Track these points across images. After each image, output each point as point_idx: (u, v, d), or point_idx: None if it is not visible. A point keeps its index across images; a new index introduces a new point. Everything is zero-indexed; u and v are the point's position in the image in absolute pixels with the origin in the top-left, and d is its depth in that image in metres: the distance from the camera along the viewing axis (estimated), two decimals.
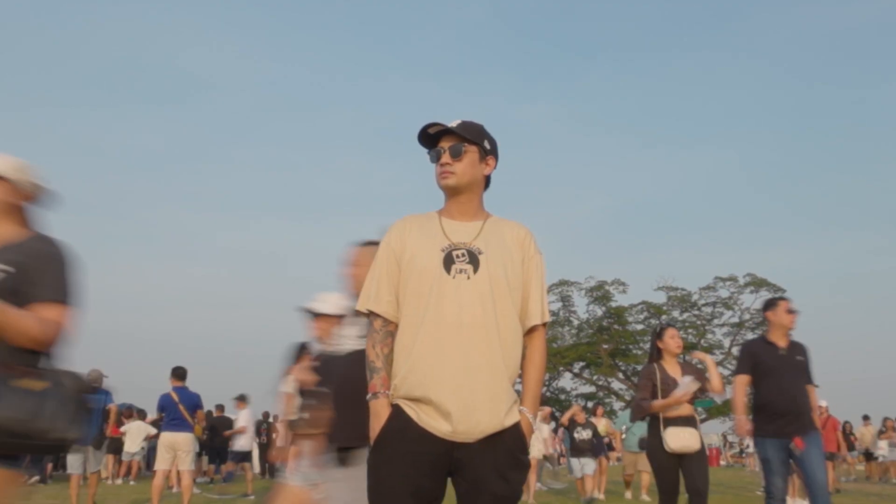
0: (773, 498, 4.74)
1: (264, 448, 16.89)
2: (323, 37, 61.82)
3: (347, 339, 2.96)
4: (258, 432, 17.19)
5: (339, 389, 2.91)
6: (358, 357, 2.72)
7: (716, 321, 36.65)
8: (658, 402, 4.78)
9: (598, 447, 10.86)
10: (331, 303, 3.98)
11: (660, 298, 37.73)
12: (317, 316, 4.04)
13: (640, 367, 38.86)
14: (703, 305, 37.11)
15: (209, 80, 60.59)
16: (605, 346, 37.02)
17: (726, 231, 53.99)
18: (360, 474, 2.65)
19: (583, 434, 10.84)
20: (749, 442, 12.33)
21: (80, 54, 58.11)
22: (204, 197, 59.64)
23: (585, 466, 10.62)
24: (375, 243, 2.89)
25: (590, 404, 35.13)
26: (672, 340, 5.00)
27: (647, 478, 11.06)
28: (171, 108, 61.07)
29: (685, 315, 37.79)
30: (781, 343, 4.89)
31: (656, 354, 5.06)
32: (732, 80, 54.47)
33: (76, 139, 56.43)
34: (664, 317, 37.52)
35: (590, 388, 37.93)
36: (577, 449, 10.81)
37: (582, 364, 37.98)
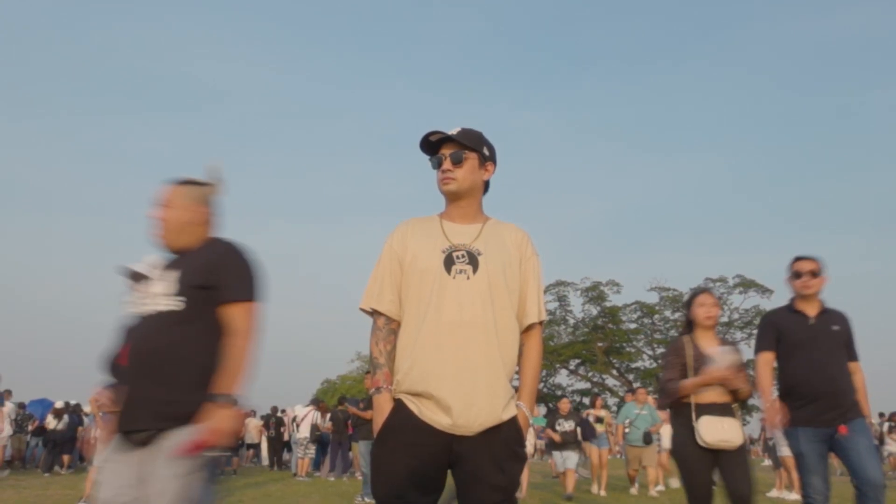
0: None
1: (272, 441, 16.90)
2: (331, 48, 61.94)
3: (152, 299, 2.34)
4: (267, 425, 17.20)
5: (133, 359, 2.29)
6: (161, 321, 2.27)
7: None
8: (690, 382, 3.62)
9: (588, 433, 9.93)
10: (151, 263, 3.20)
11: (652, 298, 37.74)
12: (138, 278, 3.25)
13: (633, 365, 39.04)
14: None
15: (221, 89, 60.73)
16: (600, 345, 37.00)
17: (716, 234, 54.04)
18: (149, 466, 2.16)
19: (565, 426, 9.81)
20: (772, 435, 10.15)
21: (99, 65, 58.23)
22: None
23: (568, 460, 9.64)
24: (195, 182, 2.48)
25: (586, 400, 35.15)
26: (700, 309, 3.81)
27: (652, 473, 10.38)
28: (184, 115, 61.18)
29: (676, 315, 37.73)
30: (811, 311, 3.76)
31: (688, 327, 3.93)
32: (721, 90, 54.52)
33: (93, 145, 56.56)
34: (656, 316, 37.49)
35: (585, 385, 37.91)
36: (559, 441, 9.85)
37: (577, 361, 37.98)
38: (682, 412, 3.65)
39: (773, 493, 10.09)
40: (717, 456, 3.53)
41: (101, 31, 59.29)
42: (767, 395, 3.74)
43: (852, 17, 52.93)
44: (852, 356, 3.77)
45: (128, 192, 57.12)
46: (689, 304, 3.93)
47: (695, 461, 3.55)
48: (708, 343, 3.75)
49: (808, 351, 3.68)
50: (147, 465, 2.16)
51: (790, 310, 3.84)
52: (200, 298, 2.28)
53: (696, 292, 3.94)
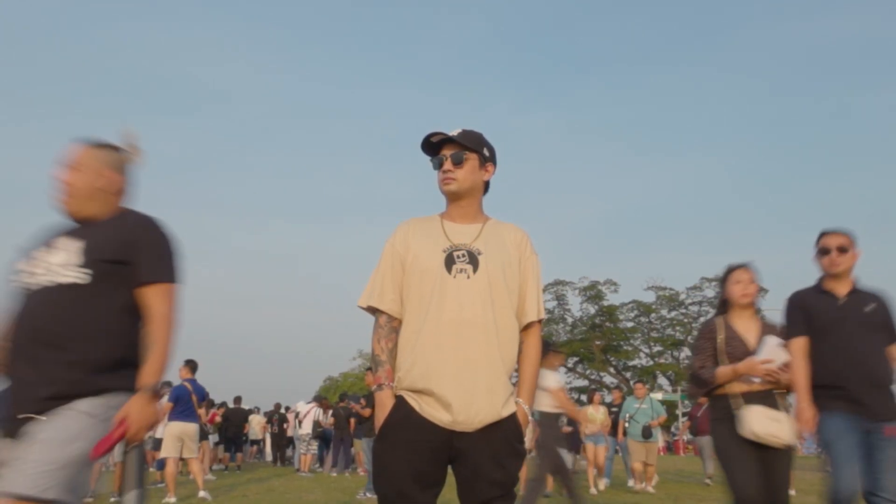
0: (839, 500, 3.01)
1: (276, 437, 16.92)
2: (332, 50, 62.00)
3: (49, 270, 2.02)
4: (270, 422, 17.21)
5: (26, 336, 1.97)
6: (61, 295, 1.97)
7: (702, 319, 36.59)
8: (725, 370, 3.14)
9: (574, 438, 9.44)
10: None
11: (649, 298, 37.76)
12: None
13: (630, 363, 39.05)
14: (690, 304, 37.09)
15: (224, 91, 60.78)
16: (598, 343, 37.02)
17: (712, 234, 54.04)
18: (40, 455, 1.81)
19: None
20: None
21: (103, 69, 58.28)
22: (219, 201, 59.73)
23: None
24: (109, 146, 2.21)
25: (584, 398, 35.13)
26: (736, 286, 3.28)
27: (652, 471, 10.01)
28: (189, 117, 61.26)
29: (673, 313, 37.77)
30: (840, 291, 3.26)
31: (722, 306, 3.40)
32: (718, 93, 54.51)
33: None
34: (653, 315, 37.49)
35: (583, 382, 37.93)
36: None
37: (576, 359, 37.99)
38: (719, 402, 3.17)
39: None
40: (760, 452, 3.05)
41: (106, 34, 59.36)
42: (804, 389, 3.15)
43: (846, 20, 52.97)
44: (892, 339, 3.25)
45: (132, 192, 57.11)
46: (723, 281, 3.37)
47: (740, 458, 3.03)
48: (745, 324, 3.26)
49: (836, 335, 3.17)
50: (23, 450, 1.85)
51: (818, 290, 3.33)
52: (109, 274, 2.02)
53: (732, 267, 3.36)
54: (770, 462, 3.05)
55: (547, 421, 6.19)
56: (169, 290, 2.08)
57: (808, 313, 3.27)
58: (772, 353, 3.09)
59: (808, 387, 3.16)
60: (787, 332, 3.29)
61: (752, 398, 3.10)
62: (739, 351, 3.17)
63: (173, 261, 2.12)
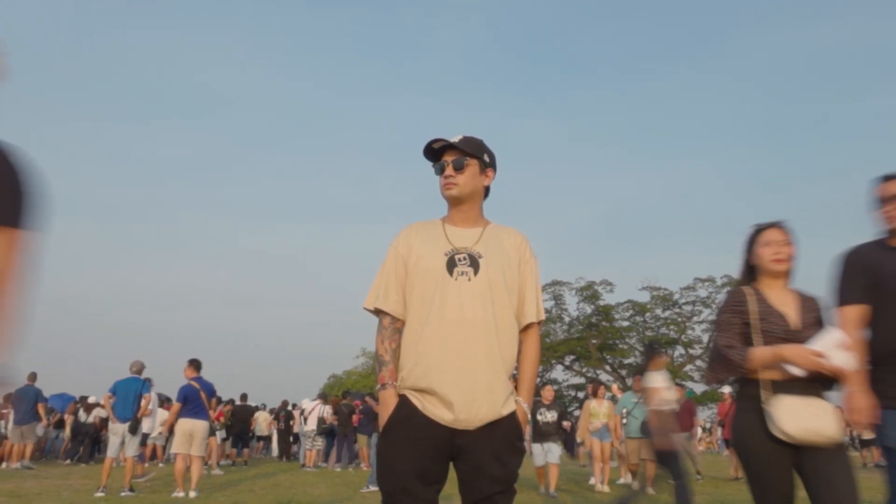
0: None
1: (282, 434, 16.91)
2: (337, 57, 62.05)
3: None
4: (277, 418, 17.21)
5: None
6: None
7: (695, 319, 36.57)
8: (763, 352, 2.38)
9: (562, 435, 9.10)
10: None
11: (644, 297, 37.70)
12: None
13: (626, 361, 39.03)
14: (684, 304, 37.03)
15: (232, 97, 60.86)
16: (594, 342, 36.99)
17: (705, 235, 53.98)
18: None
19: (547, 416, 9.01)
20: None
21: (114, 74, 58.37)
22: (227, 203, 59.78)
23: (549, 453, 8.82)
24: None
25: (580, 394, 35.11)
26: (766, 249, 2.54)
27: (651, 467, 9.07)
28: (196, 122, 61.36)
29: (667, 313, 37.72)
30: None
31: (748, 275, 2.64)
32: (710, 97, 54.54)
33: (111, 151, 56.69)
34: (648, 314, 37.48)
35: (580, 380, 37.94)
36: (540, 433, 8.96)
37: (572, 357, 37.98)
38: (747, 390, 2.44)
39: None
40: (800, 454, 2.33)
41: (117, 41, 59.41)
42: (858, 372, 2.42)
43: (837, 27, 53.01)
44: None
45: (145, 195, 57.30)
46: (750, 243, 2.63)
47: (768, 461, 2.34)
48: (780, 296, 2.52)
49: None
50: None
51: (882, 246, 2.57)
52: None
53: (761, 227, 2.61)
54: (819, 466, 2.29)
55: (661, 417, 6.17)
56: (14, 235, 1.52)
57: (876, 274, 2.50)
58: (828, 349, 2.32)
59: (865, 370, 2.46)
60: (839, 297, 2.58)
61: (790, 388, 2.35)
62: (779, 329, 2.42)
63: (23, 199, 1.55)
